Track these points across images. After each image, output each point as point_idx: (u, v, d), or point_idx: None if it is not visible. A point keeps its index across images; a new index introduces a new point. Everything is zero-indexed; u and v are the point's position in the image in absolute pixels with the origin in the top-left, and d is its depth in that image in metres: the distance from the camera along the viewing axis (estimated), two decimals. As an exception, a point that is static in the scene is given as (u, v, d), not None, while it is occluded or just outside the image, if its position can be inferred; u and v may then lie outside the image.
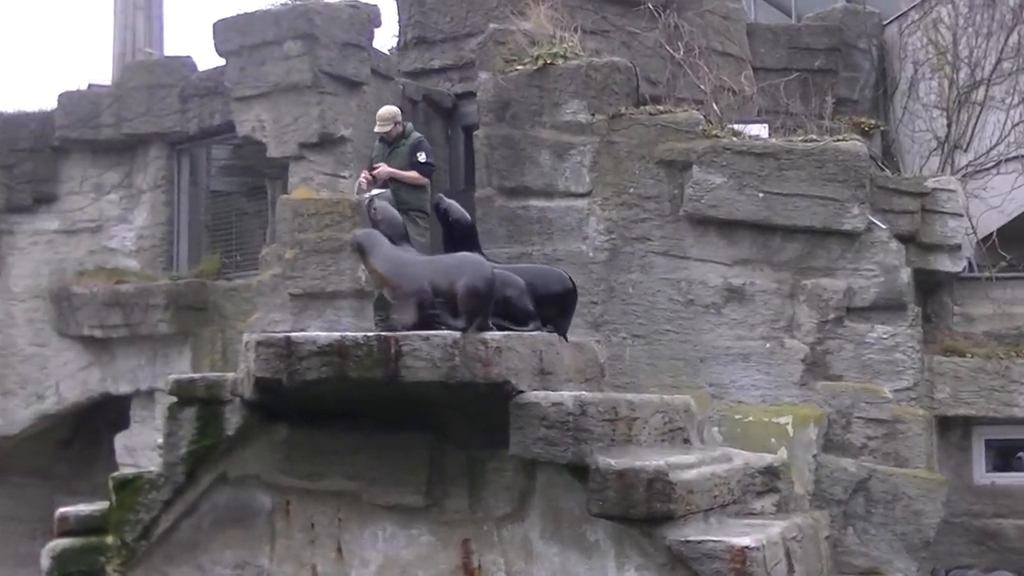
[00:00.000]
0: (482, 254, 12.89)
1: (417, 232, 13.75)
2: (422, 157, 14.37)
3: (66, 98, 19.39)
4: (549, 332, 12.05)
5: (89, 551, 12.01)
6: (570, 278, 13.17)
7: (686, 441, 11.87)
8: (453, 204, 13.45)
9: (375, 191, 13.74)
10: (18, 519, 20.08)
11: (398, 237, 12.72)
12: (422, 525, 11.65)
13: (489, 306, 11.42)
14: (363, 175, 14.41)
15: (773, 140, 14.81)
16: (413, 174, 14.24)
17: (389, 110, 14.68)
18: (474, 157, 16.08)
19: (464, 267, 11.68)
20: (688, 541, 10.13)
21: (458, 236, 13.30)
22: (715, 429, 13.69)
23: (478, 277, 11.50)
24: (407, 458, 11.55)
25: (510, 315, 12.09)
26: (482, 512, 11.48)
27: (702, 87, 16.94)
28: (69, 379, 18.98)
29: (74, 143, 19.32)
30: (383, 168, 14.13)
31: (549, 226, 15.21)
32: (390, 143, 14.45)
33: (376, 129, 14.56)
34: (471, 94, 17.08)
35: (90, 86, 19.93)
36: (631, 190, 14.83)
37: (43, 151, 19.59)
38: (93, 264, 19.14)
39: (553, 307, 12.68)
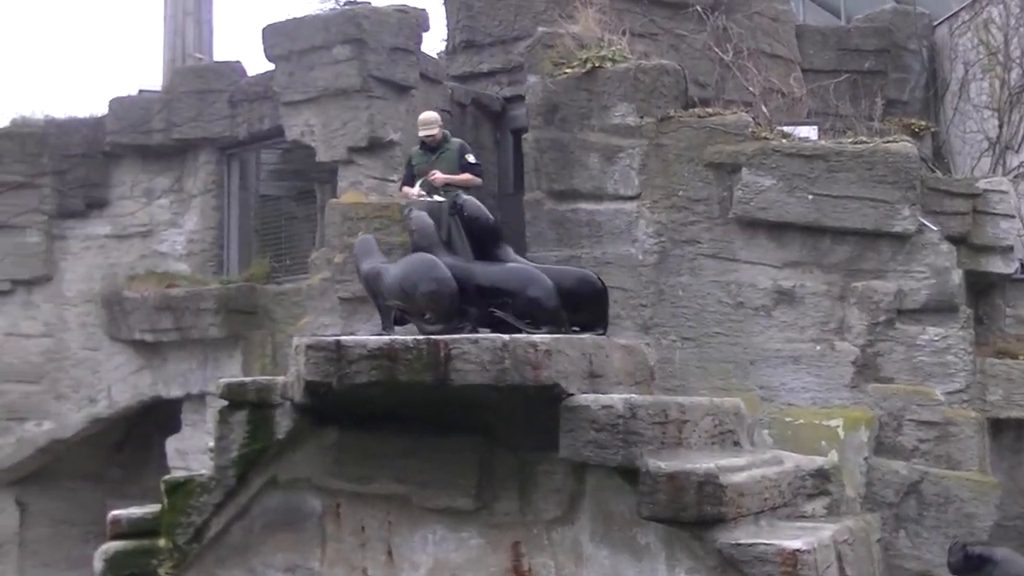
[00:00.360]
0: (503, 252, 13.03)
1: None
2: (472, 158, 14.48)
3: (117, 104, 19.54)
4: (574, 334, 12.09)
5: (141, 554, 12.08)
6: (600, 279, 13.23)
7: (736, 444, 11.85)
8: (469, 201, 13.57)
9: (434, 198, 13.88)
10: (71, 522, 20.22)
11: (433, 246, 12.90)
12: (472, 528, 11.67)
13: (452, 305, 12.08)
14: (413, 190, 14.37)
15: (823, 142, 14.73)
16: (467, 176, 14.30)
17: (432, 114, 14.74)
18: (523, 160, 16.07)
19: (420, 271, 12.34)
20: (739, 544, 10.11)
21: (477, 234, 13.39)
22: (765, 432, 13.64)
23: (428, 279, 12.21)
24: (457, 461, 11.57)
25: (534, 316, 12.18)
26: (532, 515, 11.49)
27: (751, 89, 16.90)
28: (121, 383, 19.11)
29: (125, 148, 19.47)
30: (439, 175, 14.15)
31: (598, 229, 15.19)
32: (433, 149, 14.49)
33: (422, 134, 14.57)
34: (520, 97, 17.10)
35: (141, 92, 20.06)
36: (680, 193, 14.80)
37: (95, 157, 19.76)
38: (144, 268, 19.27)
39: (584, 309, 12.76)
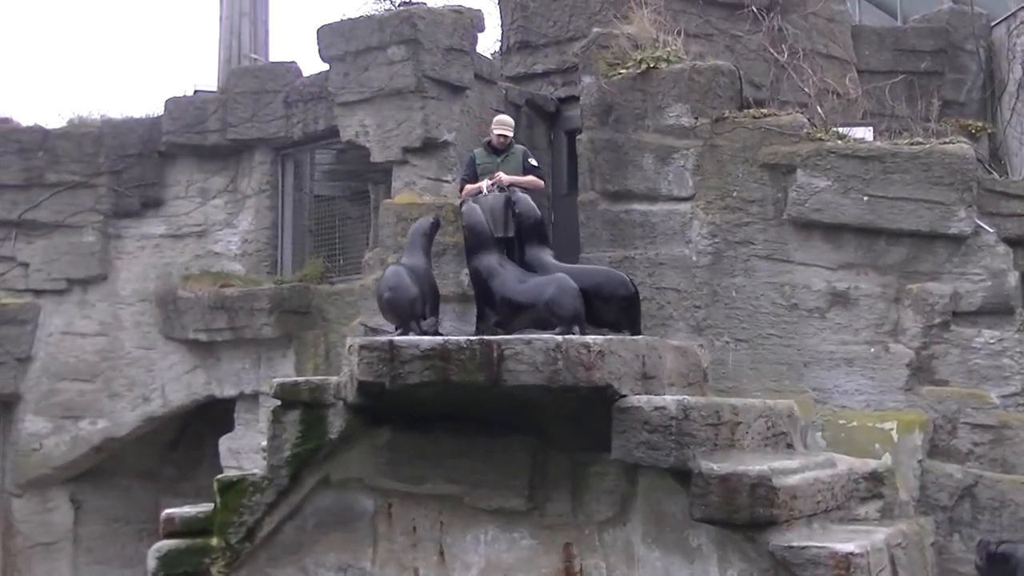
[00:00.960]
0: (546, 249, 13.20)
1: None
2: (534, 162, 14.76)
3: (173, 104, 19.66)
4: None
5: (194, 552, 12.19)
6: (631, 282, 13.28)
7: (789, 446, 11.83)
8: (523, 199, 13.75)
9: (490, 195, 14.08)
10: (125, 520, 20.38)
11: (480, 245, 13.16)
12: (524, 529, 11.71)
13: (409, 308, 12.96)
14: (482, 183, 14.53)
15: (878, 143, 14.68)
16: (531, 178, 14.51)
17: (510, 118, 15.00)
18: (577, 161, 16.09)
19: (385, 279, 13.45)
20: (791, 547, 10.11)
21: (525, 231, 13.55)
22: (818, 434, 13.61)
23: (383, 287, 13.24)
24: (509, 462, 11.61)
25: (553, 317, 12.32)
26: (584, 516, 11.53)
27: (806, 90, 16.86)
28: (175, 382, 19.22)
29: (181, 148, 19.59)
30: (503, 176, 14.32)
31: (652, 230, 15.19)
32: (498, 151, 14.67)
33: (497, 132, 14.82)
34: (574, 98, 17.11)
35: (196, 92, 20.16)
36: (734, 194, 14.78)
37: (150, 156, 19.88)
38: (198, 268, 19.37)
39: (616, 311, 12.82)
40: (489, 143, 14.90)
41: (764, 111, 15.16)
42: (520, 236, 13.92)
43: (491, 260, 13.37)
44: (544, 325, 12.30)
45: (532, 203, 13.97)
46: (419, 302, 13.02)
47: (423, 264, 13.80)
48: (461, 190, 15.01)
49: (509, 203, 13.98)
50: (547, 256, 13.70)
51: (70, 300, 20.05)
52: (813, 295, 14.31)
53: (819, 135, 14.62)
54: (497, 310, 13.07)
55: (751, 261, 14.62)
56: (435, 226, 14.38)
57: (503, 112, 15.83)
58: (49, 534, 20.06)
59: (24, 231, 20.08)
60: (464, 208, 13.97)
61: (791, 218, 14.43)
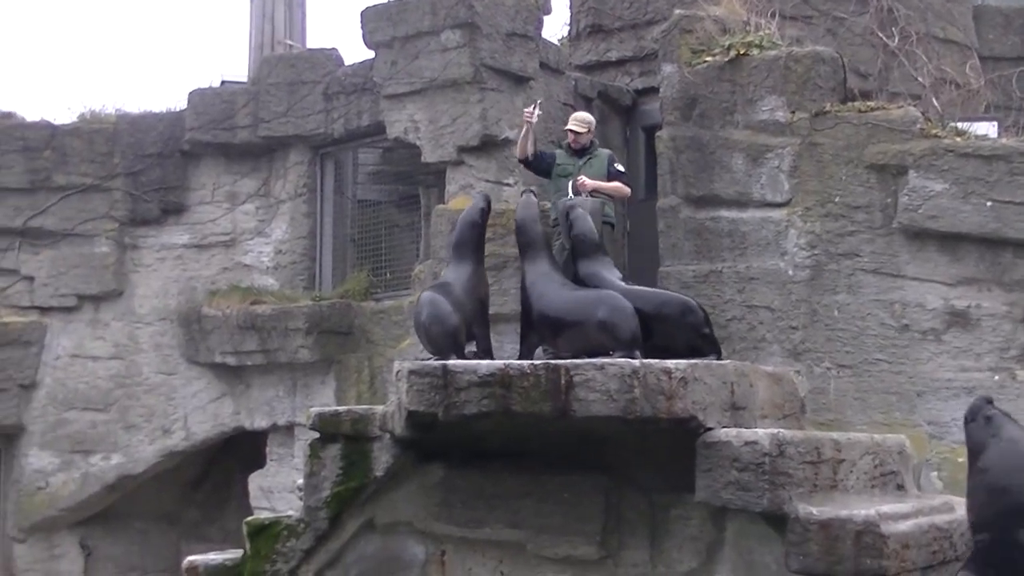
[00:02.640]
0: (596, 269, 13.15)
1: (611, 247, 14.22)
2: (620, 167, 14.73)
3: (197, 97, 19.85)
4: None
5: (222, 605, 12.26)
6: (700, 307, 13.18)
7: (900, 487, 11.79)
8: (580, 217, 13.59)
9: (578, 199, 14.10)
10: (141, 569, 20.56)
11: (530, 247, 13.14)
12: (596, 580, 11.72)
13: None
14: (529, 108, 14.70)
15: (1004, 140, 14.63)
16: (616, 185, 14.51)
17: (589, 116, 15.01)
18: (656, 162, 16.11)
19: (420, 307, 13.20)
20: (903, 604, 10.09)
21: (577, 250, 13.46)
22: (934, 474, 13.57)
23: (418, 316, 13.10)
24: (579, 504, 11.61)
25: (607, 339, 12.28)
26: (664, 566, 11.49)
27: (920, 79, 16.85)
28: (199, 411, 19.38)
29: (206, 147, 19.77)
30: (587, 180, 14.33)
31: (742, 240, 15.19)
32: (578, 153, 14.68)
33: (570, 126, 14.74)
34: (653, 90, 17.16)
35: (223, 83, 20.39)
36: (837, 199, 14.76)
37: (172, 156, 20.09)
38: (226, 282, 19.53)
39: (675, 337, 12.74)
40: (569, 143, 14.91)
41: (871, 104, 15.11)
42: (573, 255, 13.79)
43: (535, 267, 13.30)
44: (594, 350, 12.21)
45: (590, 224, 13.75)
46: (461, 332, 12.94)
47: (467, 271, 13.57)
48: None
49: (566, 218, 13.87)
50: (607, 273, 13.54)
51: (81, 319, 20.28)
52: (928, 315, 14.26)
53: (935, 131, 14.57)
54: (535, 327, 13.05)
55: (856, 276, 14.59)
56: (485, 212, 14.07)
57: (575, 107, 15.83)
58: (56, 585, 20.25)
59: (29, 240, 20.32)
60: (521, 199, 13.92)
61: (902, 226, 14.39)
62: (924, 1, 18.28)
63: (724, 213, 15.35)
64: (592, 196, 14.25)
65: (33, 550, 20.21)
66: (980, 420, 10.88)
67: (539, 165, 14.77)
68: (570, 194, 14.30)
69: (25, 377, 20.01)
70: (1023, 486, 10.28)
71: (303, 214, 19.29)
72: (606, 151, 15.02)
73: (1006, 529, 10.20)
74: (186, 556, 12.96)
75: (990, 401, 11.15)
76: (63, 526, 20.27)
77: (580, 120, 14.84)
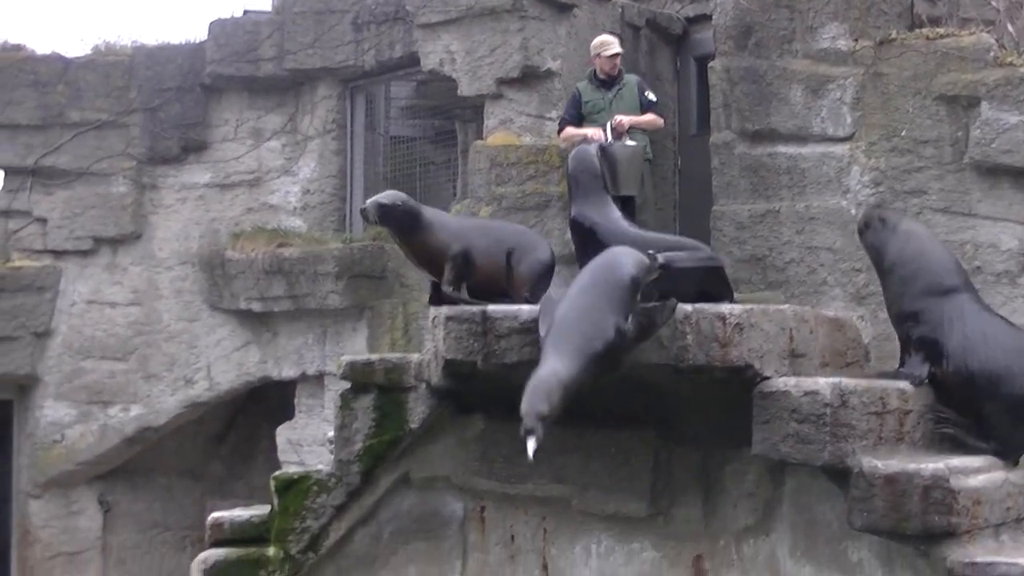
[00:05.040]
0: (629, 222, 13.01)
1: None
2: (652, 96, 14.66)
3: (218, 27, 19.83)
4: None
5: (247, 564, 12.22)
6: (717, 257, 13.09)
7: (971, 441, 11.73)
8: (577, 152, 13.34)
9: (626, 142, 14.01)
10: (164, 526, 20.67)
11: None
12: (645, 539, 11.68)
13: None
14: (591, 131, 14.40)
15: (1085, 69, 14.55)
16: (651, 117, 14.49)
17: (614, 38, 14.88)
18: (709, 95, 16.04)
19: None
20: (975, 563, 9.99)
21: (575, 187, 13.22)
22: (1007, 426, 13.51)
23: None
24: (628, 459, 11.59)
25: None
26: (718, 524, 11.48)
27: (994, 3, 16.67)
28: (223, 360, 19.43)
29: (228, 80, 19.76)
30: (624, 119, 14.25)
31: (801, 177, 15.12)
32: (607, 84, 14.60)
33: (607, 54, 14.74)
34: (705, 17, 17.08)
35: (246, 13, 20.35)
36: (903, 133, 14.68)
37: (192, 90, 20.09)
38: (251, 224, 19.55)
39: (693, 287, 12.57)
40: (594, 74, 14.80)
41: (940, 31, 15.01)
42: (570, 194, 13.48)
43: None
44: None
45: (590, 158, 13.45)
46: None
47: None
48: (560, 133, 14.97)
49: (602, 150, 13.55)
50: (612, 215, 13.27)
51: (97, 263, 20.33)
52: (1002, 256, 14.18)
53: (1010, 59, 14.45)
54: None
55: (924, 215, 14.50)
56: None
57: (622, 38, 15.71)
58: (73, 542, 20.38)
59: (41, 180, 20.37)
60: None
61: (974, 162, 14.30)
62: (998, -81, 18.12)
63: (782, 149, 15.29)
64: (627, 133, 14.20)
65: (49, 506, 20.32)
66: (875, 225, 11.39)
67: (579, 121, 14.70)
68: (608, 137, 14.20)
69: (39, 325, 20.08)
70: (931, 265, 11.04)
71: (332, 151, 19.28)
72: (634, 77, 15.05)
73: (927, 311, 10.93)
74: (211, 512, 12.95)
75: (879, 207, 11.37)
76: (81, 481, 20.37)
77: (611, 42, 14.72)
